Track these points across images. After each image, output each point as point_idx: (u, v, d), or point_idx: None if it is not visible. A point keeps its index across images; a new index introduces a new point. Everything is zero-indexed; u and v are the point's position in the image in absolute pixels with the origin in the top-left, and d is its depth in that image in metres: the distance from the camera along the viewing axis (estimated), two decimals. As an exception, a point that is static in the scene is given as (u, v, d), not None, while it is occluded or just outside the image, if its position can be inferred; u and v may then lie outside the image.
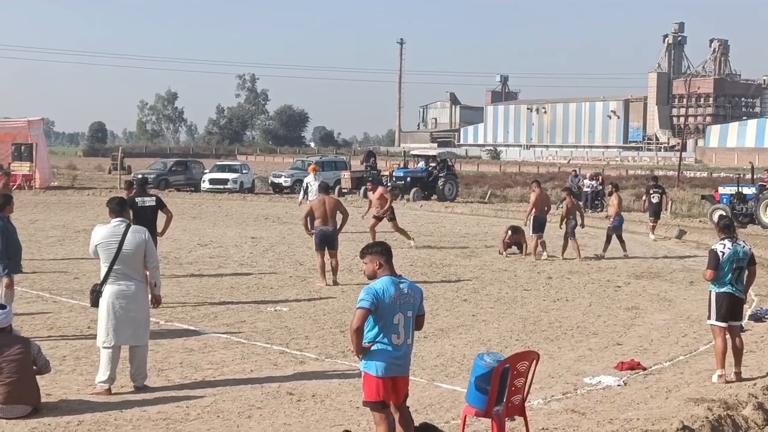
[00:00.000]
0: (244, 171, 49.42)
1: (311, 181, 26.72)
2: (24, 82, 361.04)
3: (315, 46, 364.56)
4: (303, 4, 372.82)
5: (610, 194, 24.99)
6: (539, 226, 21.49)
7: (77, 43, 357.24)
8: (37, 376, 9.03)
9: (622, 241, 22.60)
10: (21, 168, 46.88)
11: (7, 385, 8.54)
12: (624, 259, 21.90)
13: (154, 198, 15.10)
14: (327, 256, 17.15)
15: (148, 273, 9.86)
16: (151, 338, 11.85)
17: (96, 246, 9.60)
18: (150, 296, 9.87)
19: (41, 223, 28.92)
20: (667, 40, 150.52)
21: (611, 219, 22.87)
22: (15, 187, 45.25)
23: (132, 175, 49.58)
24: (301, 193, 28.42)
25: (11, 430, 8.22)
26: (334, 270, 17.27)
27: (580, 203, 37.63)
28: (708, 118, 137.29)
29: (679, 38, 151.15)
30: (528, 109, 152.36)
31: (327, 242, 17.08)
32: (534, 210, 21.49)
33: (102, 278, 9.62)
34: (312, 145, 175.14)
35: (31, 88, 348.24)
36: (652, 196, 27.24)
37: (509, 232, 22.63)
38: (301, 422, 8.71)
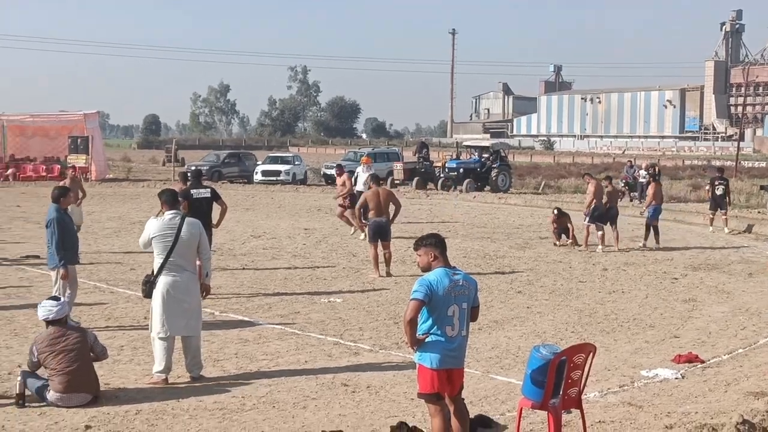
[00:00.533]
0: (296, 162, 49.64)
1: (360, 171, 26.81)
2: (79, 76, 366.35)
3: (367, 36, 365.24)
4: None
5: (648, 184, 24.70)
6: (598, 217, 21.31)
7: (132, 37, 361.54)
8: (96, 367, 9.16)
9: (656, 233, 22.33)
10: (77, 160, 47.48)
11: (66, 374, 8.67)
12: (659, 250, 21.64)
13: (209, 190, 15.18)
14: (380, 247, 17.15)
15: (199, 263, 9.97)
16: (206, 329, 12.00)
17: (151, 238, 9.69)
18: (199, 286, 9.97)
19: (97, 215, 29.30)
20: (724, 28, 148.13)
21: (647, 209, 22.62)
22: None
23: (186, 167, 50.05)
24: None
25: (71, 419, 8.34)
26: (387, 261, 17.27)
27: (635, 193, 37.43)
28: (766, 107, 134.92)
29: (737, 26, 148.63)
30: (582, 98, 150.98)
31: (380, 233, 17.08)
32: (594, 201, 21.31)
33: (156, 270, 9.73)
34: (364, 136, 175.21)
35: (87, 82, 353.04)
36: (716, 188, 26.66)
37: (555, 212, 22.62)
38: (355, 413, 8.72)
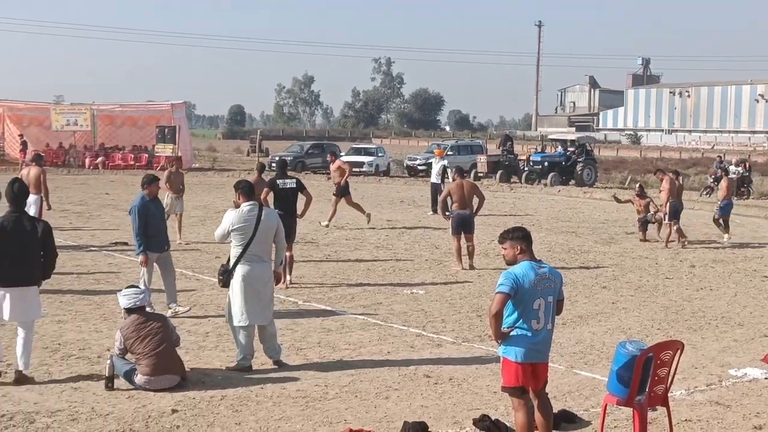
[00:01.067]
0: (379, 154, 49.77)
1: (433, 163, 27.07)
2: (166, 67, 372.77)
3: (451, 28, 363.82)
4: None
5: (718, 179, 24.18)
6: (675, 213, 20.94)
7: (218, 29, 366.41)
8: (182, 353, 9.35)
9: (726, 226, 21.85)
10: (164, 150, 48.37)
11: (152, 357, 8.84)
12: (724, 246, 21.13)
13: (294, 180, 15.29)
14: (463, 239, 17.09)
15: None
16: (289, 318, 12.18)
17: (230, 229, 9.80)
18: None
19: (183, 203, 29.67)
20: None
21: (719, 203, 22.15)
22: (158, 168, 46.86)
23: (269, 157, 50.58)
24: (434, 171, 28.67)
25: (158, 402, 8.49)
26: (471, 254, 17.20)
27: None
28: None
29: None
30: (670, 92, 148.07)
31: (464, 226, 17.02)
32: (670, 197, 20.93)
33: (233, 260, 9.85)
34: (447, 128, 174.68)
35: (173, 73, 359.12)
36: None
37: (637, 189, 22.59)
38: (438, 405, 8.70)
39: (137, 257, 12.43)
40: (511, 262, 7.17)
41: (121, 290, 9.71)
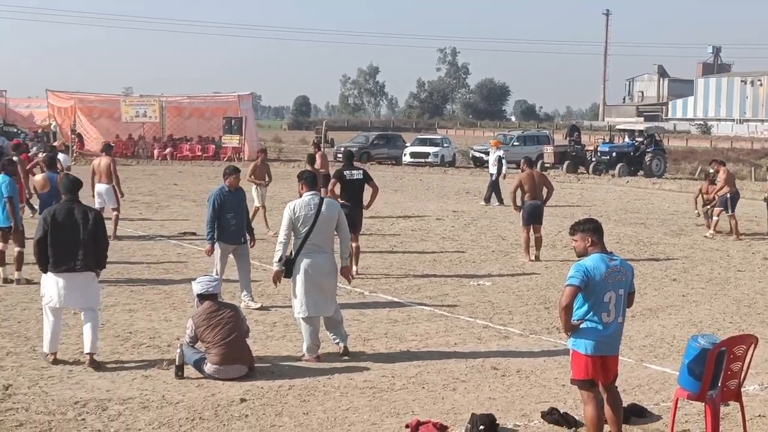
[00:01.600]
0: (445, 145, 49.62)
1: (490, 153, 27.85)
2: (232, 59, 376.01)
3: (518, 18, 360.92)
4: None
5: None
6: (734, 204, 20.63)
7: (283, 21, 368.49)
8: (249, 342, 9.42)
9: None
10: (231, 141, 48.91)
11: (222, 347, 8.92)
12: None
13: (361, 171, 15.28)
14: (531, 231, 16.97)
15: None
16: (355, 308, 12.20)
17: (292, 219, 9.83)
18: (339, 267, 10.08)
19: (249, 194, 29.86)
20: None
21: None
22: (225, 159, 47.33)
23: (334, 148, 50.76)
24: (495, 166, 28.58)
25: (227, 391, 8.57)
26: (538, 245, 17.07)
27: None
28: None
29: None
30: (742, 81, 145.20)
31: (535, 217, 16.90)
32: (728, 188, 20.59)
33: (295, 250, 9.89)
34: (513, 119, 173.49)
35: (240, 64, 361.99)
36: None
37: (710, 174, 22.14)
38: (505, 397, 8.65)
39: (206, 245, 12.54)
40: (582, 254, 7.09)
41: (194, 278, 9.83)
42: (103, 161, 18.58)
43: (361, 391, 8.72)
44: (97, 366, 9.27)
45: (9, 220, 13.56)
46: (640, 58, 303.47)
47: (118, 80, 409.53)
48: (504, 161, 28.77)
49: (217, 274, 12.01)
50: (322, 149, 24.72)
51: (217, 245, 12.29)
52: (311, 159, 18.31)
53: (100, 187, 18.40)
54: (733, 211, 20.61)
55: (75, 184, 9.63)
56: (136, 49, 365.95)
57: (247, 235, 12.67)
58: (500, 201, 27.27)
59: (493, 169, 28.44)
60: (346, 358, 9.86)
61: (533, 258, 16.81)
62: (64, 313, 9.85)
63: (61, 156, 20.81)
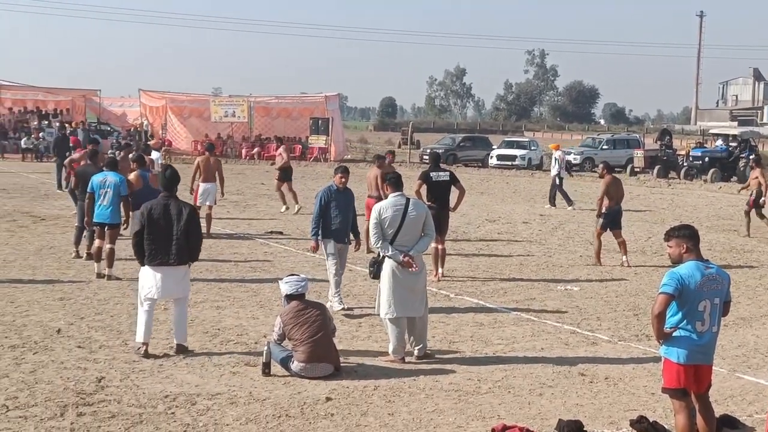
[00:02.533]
0: (532, 147, 49.24)
1: (555, 156, 28.26)
2: (319, 59, 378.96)
3: (608, 19, 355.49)
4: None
5: None
6: None
7: (369, 22, 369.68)
8: (335, 342, 9.46)
9: None
10: (317, 141, 49.27)
11: (309, 345, 8.97)
12: None
13: (448, 173, 15.21)
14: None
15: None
16: (441, 311, 12.16)
17: (380, 220, 9.85)
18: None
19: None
20: None
21: None
22: (312, 159, 47.70)
23: (420, 149, 50.77)
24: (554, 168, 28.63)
25: (313, 390, 8.62)
26: (624, 249, 16.78)
27: None
28: None
29: None
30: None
31: (616, 222, 16.70)
32: None
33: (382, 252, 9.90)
34: (602, 122, 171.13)
35: (327, 65, 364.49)
36: None
37: None
38: (593, 404, 8.52)
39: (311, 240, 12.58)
40: (677, 261, 6.94)
41: (281, 278, 9.92)
42: (212, 161, 19.02)
43: (447, 393, 8.68)
44: (184, 350, 9.68)
45: (116, 217, 13.97)
46: (735, 61, 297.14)
47: (208, 80, 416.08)
48: (558, 162, 28.55)
49: (332, 276, 12.10)
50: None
51: (323, 243, 12.28)
52: (380, 159, 18.31)
53: (206, 185, 18.81)
54: None
55: (172, 181, 9.99)
56: (226, 50, 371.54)
57: (351, 236, 12.62)
58: (569, 202, 27.23)
59: (554, 171, 28.42)
60: (432, 361, 9.82)
61: (624, 263, 16.52)
62: (155, 308, 10.06)
63: (154, 154, 21.22)
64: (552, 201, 27.82)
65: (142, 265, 9.79)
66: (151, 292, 9.74)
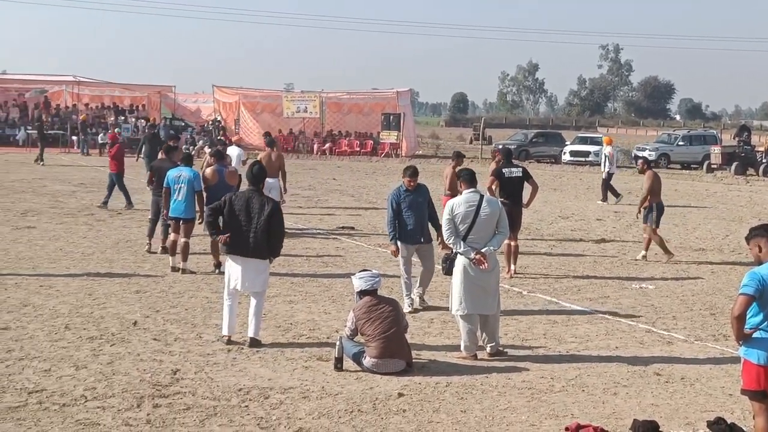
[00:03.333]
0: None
1: (605, 152, 28.52)
2: (391, 55, 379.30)
3: (683, 13, 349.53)
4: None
5: None
6: None
7: (441, 17, 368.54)
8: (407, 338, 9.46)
9: None
10: (389, 137, 49.38)
11: (381, 340, 8.97)
12: None
13: (520, 169, 15.09)
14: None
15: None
16: (514, 308, 12.09)
17: (452, 216, 9.81)
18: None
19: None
20: None
21: None
22: (383, 155, 47.82)
23: (492, 145, 50.54)
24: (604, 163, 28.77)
25: (385, 385, 8.62)
26: (648, 245, 16.86)
27: None
28: None
29: None
30: None
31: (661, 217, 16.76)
32: None
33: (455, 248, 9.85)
34: (677, 117, 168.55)
35: (398, 60, 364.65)
36: None
37: None
38: (669, 404, 8.37)
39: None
40: (759, 262, 6.78)
41: (353, 273, 9.95)
42: (273, 156, 18.90)
43: (519, 391, 8.61)
44: (258, 344, 9.82)
45: (190, 212, 14.14)
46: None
47: (280, 76, 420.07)
48: (607, 158, 28.40)
49: (405, 278, 12.07)
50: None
51: (399, 245, 12.14)
52: (458, 156, 18.06)
53: (269, 181, 18.77)
54: None
55: (258, 176, 10.17)
56: (298, 46, 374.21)
57: (431, 234, 12.35)
58: (616, 195, 27.41)
59: (605, 167, 28.42)
60: (504, 358, 9.76)
61: (644, 257, 16.68)
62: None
63: (236, 150, 21.29)
64: (605, 196, 27.72)
65: (217, 258, 10.01)
66: (231, 284, 9.98)
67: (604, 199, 27.65)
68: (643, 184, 16.95)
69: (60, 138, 46.11)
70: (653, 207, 16.48)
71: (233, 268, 9.98)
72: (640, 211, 16.82)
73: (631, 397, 8.55)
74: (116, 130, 46.01)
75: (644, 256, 16.62)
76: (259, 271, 9.99)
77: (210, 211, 10.16)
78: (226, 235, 9.84)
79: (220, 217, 10.07)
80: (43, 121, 44.52)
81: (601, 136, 55.81)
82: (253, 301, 10.00)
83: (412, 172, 12.20)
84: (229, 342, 9.87)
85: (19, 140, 46.96)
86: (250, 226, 9.81)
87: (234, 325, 10.04)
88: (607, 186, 27.81)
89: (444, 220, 9.95)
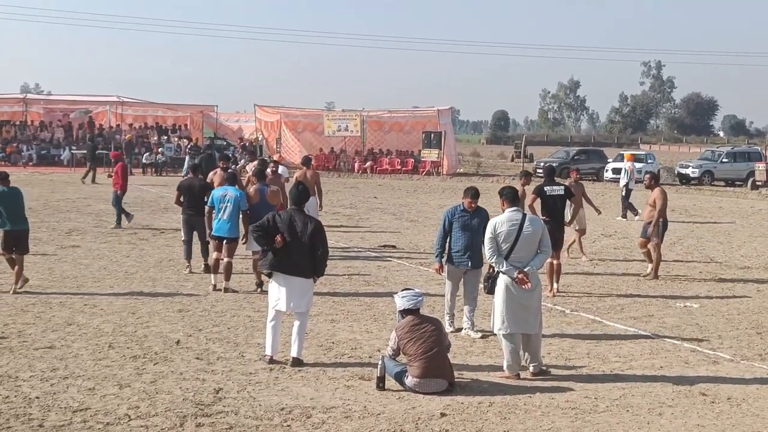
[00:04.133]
0: (649, 161, 48.29)
1: (625, 168, 28.86)
2: (432, 73, 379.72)
3: (726, 29, 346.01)
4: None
5: None
6: None
7: (482, 35, 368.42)
8: (449, 357, 9.40)
9: None
10: (430, 155, 49.38)
11: (424, 360, 8.94)
12: None
13: (562, 187, 15.01)
14: None
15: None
16: (556, 327, 11.98)
17: (495, 235, 9.76)
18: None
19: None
20: None
21: None
22: (424, 173, 47.82)
23: (534, 163, 50.34)
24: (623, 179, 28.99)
25: (427, 405, 8.58)
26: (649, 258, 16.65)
27: None
28: None
29: None
30: None
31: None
32: None
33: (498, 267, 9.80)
34: (721, 134, 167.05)
35: (439, 78, 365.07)
36: None
37: None
38: (715, 425, 8.25)
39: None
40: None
41: (395, 292, 9.94)
42: (309, 174, 19.03)
43: (563, 411, 8.53)
44: (300, 363, 9.82)
45: (234, 231, 14.23)
46: None
47: (321, 95, 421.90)
48: (628, 174, 28.37)
49: (449, 299, 11.94)
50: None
51: (446, 266, 11.97)
52: (526, 175, 17.80)
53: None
54: None
55: (301, 196, 10.26)
56: (339, 65, 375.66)
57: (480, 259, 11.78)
58: (634, 212, 27.27)
59: (622, 182, 28.42)
60: (546, 377, 9.68)
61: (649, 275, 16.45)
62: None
63: (280, 168, 21.28)
64: (624, 213, 27.60)
65: (259, 277, 10.03)
66: (276, 304, 9.97)
67: (624, 215, 27.59)
68: (653, 199, 16.32)
69: (104, 158, 46.65)
70: (659, 223, 16.25)
71: (277, 288, 9.97)
72: (654, 226, 16.28)
73: (677, 417, 8.44)
74: (159, 149, 46.51)
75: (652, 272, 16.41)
76: (304, 290, 9.97)
77: (256, 227, 10.16)
78: (279, 235, 9.82)
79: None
80: (96, 141, 44.92)
81: (644, 152, 55.51)
82: (296, 322, 9.99)
83: (474, 194, 11.74)
84: (272, 362, 9.89)
85: (63, 160, 47.58)
86: (294, 244, 9.84)
87: (277, 345, 10.05)
88: (626, 202, 27.75)
89: (486, 238, 9.90)
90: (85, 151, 43.01)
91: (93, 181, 36.80)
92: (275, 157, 24.89)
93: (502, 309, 9.73)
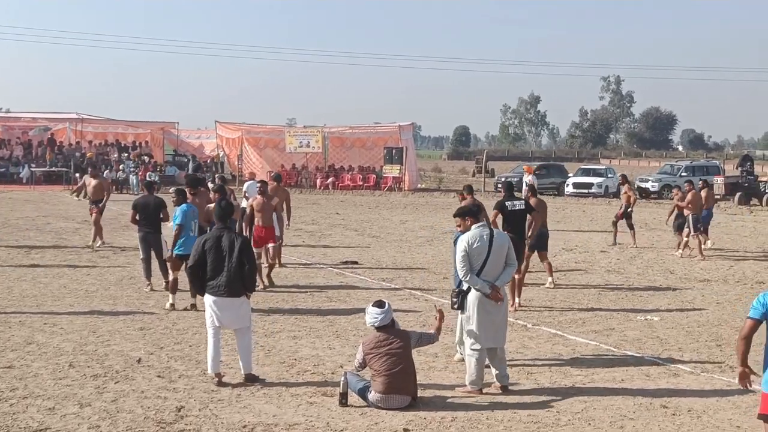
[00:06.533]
0: (609, 175, 48.78)
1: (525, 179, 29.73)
2: (393, 89, 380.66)
3: (683, 44, 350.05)
4: (664, 2, 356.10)
5: None
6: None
7: (443, 50, 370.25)
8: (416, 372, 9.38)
9: None
10: (391, 171, 49.47)
11: (387, 376, 8.93)
12: None
13: (523, 202, 15.12)
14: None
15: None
16: (518, 341, 12.02)
17: (468, 251, 9.76)
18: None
19: (410, 224, 30.23)
20: None
21: None
22: (386, 188, 47.91)
23: (495, 178, 50.60)
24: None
25: (390, 421, 8.57)
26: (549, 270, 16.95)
27: None
28: None
29: None
30: None
31: (543, 243, 16.79)
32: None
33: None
34: (680, 148, 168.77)
35: (400, 94, 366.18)
36: None
37: None
38: (676, 438, 8.32)
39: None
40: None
41: (364, 308, 9.85)
42: (279, 191, 18.85)
43: (525, 425, 8.55)
44: (254, 379, 9.78)
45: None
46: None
47: (283, 112, 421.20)
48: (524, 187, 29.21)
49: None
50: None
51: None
52: (469, 190, 17.78)
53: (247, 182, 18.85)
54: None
55: (226, 212, 10.19)
56: (300, 82, 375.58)
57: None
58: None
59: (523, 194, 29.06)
60: (508, 392, 9.70)
61: (550, 284, 16.85)
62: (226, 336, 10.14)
63: (248, 184, 21.02)
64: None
65: (201, 295, 10.09)
66: (212, 321, 9.89)
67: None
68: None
69: (63, 175, 46.28)
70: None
71: (209, 308, 9.89)
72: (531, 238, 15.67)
73: (638, 430, 8.49)
74: (120, 166, 46.21)
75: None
76: (238, 306, 9.87)
77: (192, 271, 10.01)
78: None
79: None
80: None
81: (604, 167, 56.01)
82: (239, 338, 9.94)
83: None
84: (221, 383, 9.70)
85: (23, 178, 47.13)
86: (222, 265, 9.74)
87: (218, 361, 9.89)
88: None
89: (459, 256, 9.84)
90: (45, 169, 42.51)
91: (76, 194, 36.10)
92: (247, 173, 24.85)
93: (474, 325, 9.72)
